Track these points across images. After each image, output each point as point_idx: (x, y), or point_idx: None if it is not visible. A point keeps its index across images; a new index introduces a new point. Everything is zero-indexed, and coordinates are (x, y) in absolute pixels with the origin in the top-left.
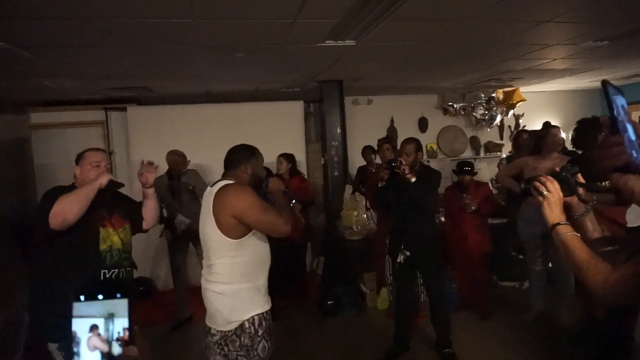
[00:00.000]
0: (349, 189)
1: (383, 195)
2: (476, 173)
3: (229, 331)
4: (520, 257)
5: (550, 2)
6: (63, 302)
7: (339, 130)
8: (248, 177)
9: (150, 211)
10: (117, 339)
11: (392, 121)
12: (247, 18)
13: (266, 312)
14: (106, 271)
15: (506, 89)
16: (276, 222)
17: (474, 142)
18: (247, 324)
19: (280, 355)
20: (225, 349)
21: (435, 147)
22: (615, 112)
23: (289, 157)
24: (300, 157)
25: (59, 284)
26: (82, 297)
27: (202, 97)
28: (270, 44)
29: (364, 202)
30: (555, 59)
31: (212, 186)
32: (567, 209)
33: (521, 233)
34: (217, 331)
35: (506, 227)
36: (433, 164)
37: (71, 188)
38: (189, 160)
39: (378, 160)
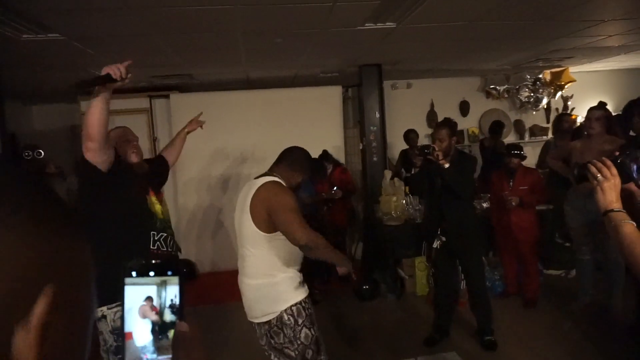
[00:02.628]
0: (387, 174)
1: (417, 180)
2: (526, 157)
3: (265, 323)
4: (567, 244)
5: None
6: (117, 264)
7: (377, 115)
8: (294, 184)
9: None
10: (170, 306)
11: (432, 105)
12: (287, 3)
13: (303, 300)
14: (155, 233)
15: (554, 70)
16: (300, 230)
17: (519, 126)
18: (285, 316)
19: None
20: (272, 341)
21: (477, 131)
22: None
23: (328, 158)
24: (339, 142)
25: (114, 244)
26: (133, 273)
27: (241, 84)
28: (309, 28)
29: (403, 188)
30: (611, 36)
31: (256, 178)
32: (628, 197)
33: (568, 220)
34: (256, 324)
35: (552, 213)
36: (475, 149)
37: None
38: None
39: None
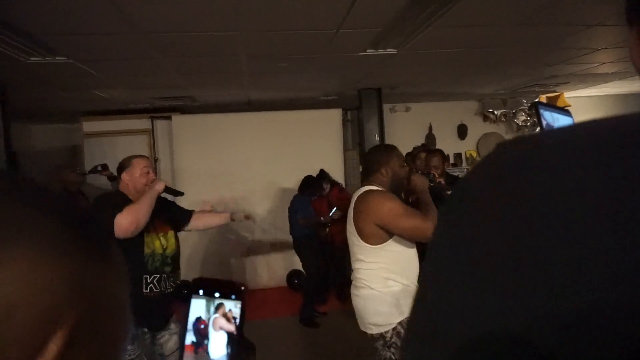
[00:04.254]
0: None
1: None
2: None
3: (379, 336)
4: None
5: (598, 4)
6: None
7: (377, 138)
8: (388, 180)
9: (203, 223)
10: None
11: (430, 128)
12: (292, 29)
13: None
14: (147, 276)
15: (550, 94)
16: (422, 226)
17: None
18: (389, 335)
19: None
20: (388, 354)
21: (475, 154)
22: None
23: (325, 177)
24: (338, 165)
25: None
26: (200, 291)
27: (242, 106)
28: (312, 53)
29: None
30: (604, 63)
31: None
32: None
33: None
34: (370, 338)
35: None
36: None
37: (120, 194)
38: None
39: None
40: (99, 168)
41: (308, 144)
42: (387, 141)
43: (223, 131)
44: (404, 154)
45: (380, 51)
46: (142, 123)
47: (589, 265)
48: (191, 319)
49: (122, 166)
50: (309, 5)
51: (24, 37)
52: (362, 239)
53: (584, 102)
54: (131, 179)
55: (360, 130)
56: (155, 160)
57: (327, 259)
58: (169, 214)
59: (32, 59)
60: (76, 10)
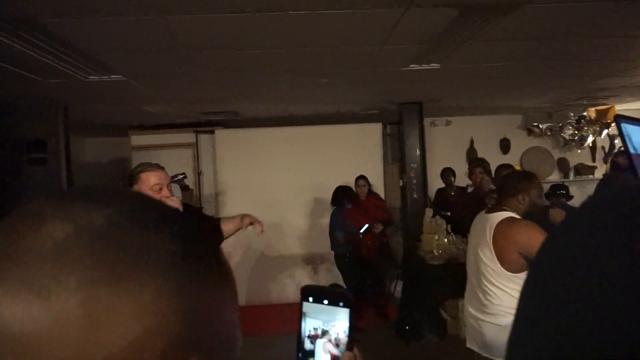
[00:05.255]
0: (429, 212)
1: None
2: (572, 197)
3: None
4: None
5: None
6: None
7: (418, 153)
8: (524, 207)
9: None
10: (338, 343)
11: (471, 142)
12: (337, 45)
13: None
14: None
15: (599, 107)
16: None
17: (562, 164)
18: None
19: None
20: None
21: (519, 169)
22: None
23: (367, 179)
24: (378, 179)
25: None
26: (310, 298)
27: (283, 120)
28: (355, 69)
29: (445, 226)
30: None
31: (487, 213)
32: None
33: None
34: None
35: None
36: None
37: None
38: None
39: (459, 183)
40: (181, 176)
41: (348, 158)
42: (428, 155)
43: (264, 145)
44: (444, 168)
45: (424, 66)
46: (187, 137)
47: None
48: (305, 325)
49: (131, 179)
50: (355, 22)
51: (84, 57)
52: (500, 264)
53: (636, 115)
54: None
55: (400, 145)
56: (199, 173)
57: (365, 274)
58: None
59: (90, 77)
60: (133, 31)
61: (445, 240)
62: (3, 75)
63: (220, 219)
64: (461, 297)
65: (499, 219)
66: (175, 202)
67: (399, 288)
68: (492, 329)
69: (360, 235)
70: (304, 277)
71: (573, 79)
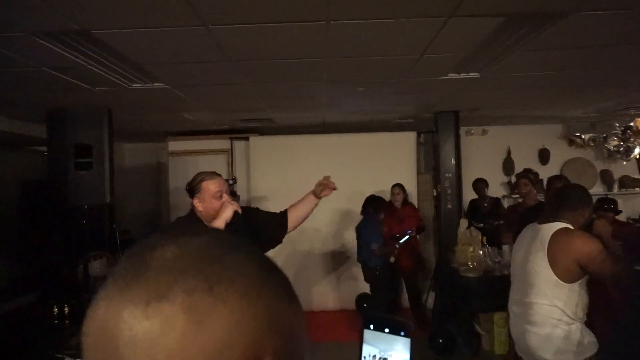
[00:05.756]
0: (463, 223)
1: None
2: (620, 212)
3: None
4: None
5: None
6: None
7: (453, 162)
8: (583, 221)
9: (296, 215)
10: None
11: (508, 152)
12: (376, 55)
13: (595, 354)
14: None
15: None
16: (616, 269)
17: (606, 176)
18: None
19: None
20: None
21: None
22: None
23: (403, 187)
24: (412, 188)
25: None
26: (371, 326)
27: (317, 127)
28: (393, 78)
29: (480, 238)
30: None
31: (540, 224)
32: None
33: None
34: None
35: None
36: None
37: (194, 220)
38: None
39: (492, 193)
40: (231, 182)
41: (382, 166)
42: (463, 165)
43: (298, 152)
44: (477, 178)
45: (463, 75)
46: (222, 143)
47: None
48: (365, 351)
49: (192, 189)
50: (396, 31)
51: (132, 66)
52: (555, 273)
53: None
54: (203, 206)
55: (435, 154)
56: (233, 179)
57: (397, 284)
58: (253, 232)
59: (133, 85)
60: (179, 42)
61: (480, 252)
62: (57, 85)
63: (286, 210)
64: (496, 310)
65: (555, 229)
66: (235, 206)
67: (430, 299)
68: (533, 338)
69: (397, 245)
70: (329, 286)
71: (620, 88)
